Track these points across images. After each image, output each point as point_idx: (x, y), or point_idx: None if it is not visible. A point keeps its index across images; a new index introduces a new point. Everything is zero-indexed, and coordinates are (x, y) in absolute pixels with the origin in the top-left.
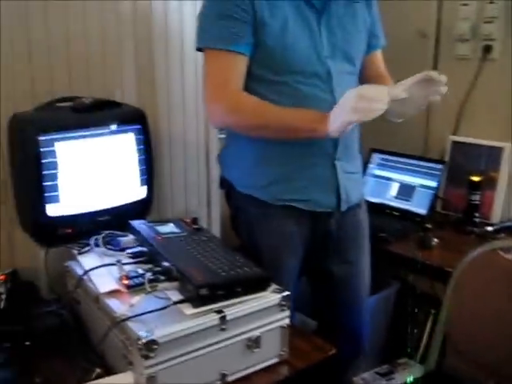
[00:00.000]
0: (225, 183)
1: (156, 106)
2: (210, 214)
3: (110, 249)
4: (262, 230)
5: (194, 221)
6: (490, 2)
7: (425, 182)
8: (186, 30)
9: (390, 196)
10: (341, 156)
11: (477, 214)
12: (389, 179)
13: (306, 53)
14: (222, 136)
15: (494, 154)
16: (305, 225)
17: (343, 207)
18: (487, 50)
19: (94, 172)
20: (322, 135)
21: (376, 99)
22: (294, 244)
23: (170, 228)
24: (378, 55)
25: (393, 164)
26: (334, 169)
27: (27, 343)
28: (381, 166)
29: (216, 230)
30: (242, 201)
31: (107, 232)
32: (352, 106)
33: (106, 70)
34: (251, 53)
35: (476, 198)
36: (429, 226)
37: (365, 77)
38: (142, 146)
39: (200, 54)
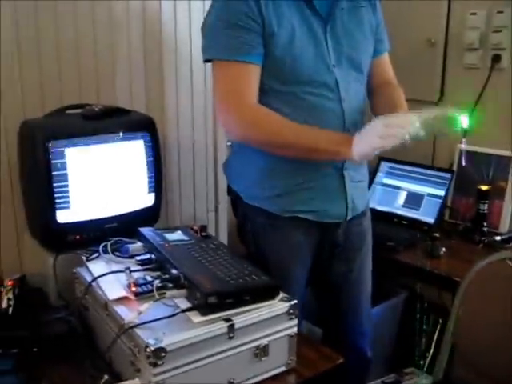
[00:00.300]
0: (231, 193)
1: (165, 113)
2: (218, 221)
3: (118, 256)
4: (269, 240)
5: (202, 228)
6: (499, 12)
7: (433, 191)
8: (194, 37)
9: (398, 205)
10: (349, 165)
11: (485, 224)
12: (397, 188)
13: (313, 62)
14: (230, 144)
15: (503, 163)
16: (313, 235)
17: (349, 216)
18: (496, 59)
19: (103, 179)
20: (345, 158)
21: (401, 126)
22: (302, 254)
23: (178, 235)
24: (385, 59)
25: (401, 173)
26: (342, 178)
27: (35, 349)
28: (389, 174)
29: (224, 237)
30: (248, 211)
31: (116, 239)
32: (378, 133)
33: (115, 78)
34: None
35: (484, 207)
36: (437, 234)
37: (372, 84)
38: (150, 154)
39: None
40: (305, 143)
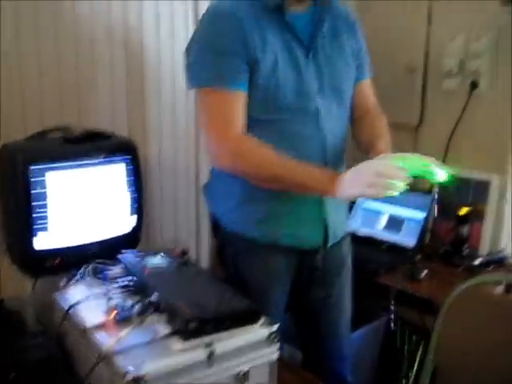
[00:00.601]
0: (211, 216)
1: (147, 135)
2: (200, 243)
3: (98, 279)
4: (249, 264)
5: (184, 252)
6: (477, 39)
7: (414, 215)
8: (177, 58)
9: (378, 228)
10: None
11: (465, 247)
12: (378, 211)
13: (295, 90)
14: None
15: (482, 187)
16: (292, 261)
17: (329, 242)
18: (474, 85)
19: (84, 203)
20: (328, 196)
21: (392, 178)
22: (281, 279)
23: (159, 259)
24: (366, 86)
25: None
26: (321, 205)
27: (13, 375)
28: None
29: (205, 260)
30: (228, 235)
31: (96, 262)
32: (368, 181)
33: (96, 99)
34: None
35: (464, 230)
36: (418, 258)
37: (354, 111)
38: (132, 177)
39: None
40: (292, 179)
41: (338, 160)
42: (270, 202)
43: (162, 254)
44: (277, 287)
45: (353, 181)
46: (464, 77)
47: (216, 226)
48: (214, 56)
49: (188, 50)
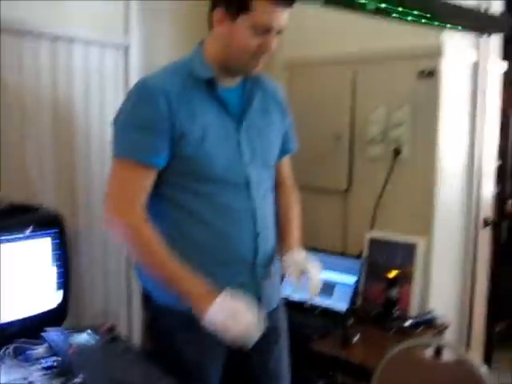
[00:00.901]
0: (142, 289)
1: (76, 206)
2: (131, 314)
3: (20, 361)
4: (182, 338)
5: (111, 328)
6: (398, 109)
7: (345, 279)
8: (106, 131)
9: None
10: (261, 262)
11: (395, 309)
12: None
13: (226, 161)
14: None
15: (409, 250)
16: None
17: (262, 311)
18: (397, 151)
19: (8, 280)
20: (196, 310)
21: (248, 332)
22: (216, 352)
23: (84, 337)
24: (287, 160)
25: None
26: (254, 276)
27: None
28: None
29: (137, 332)
30: (160, 309)
31: (19, 342)
32: (221, 322)
33: (25, 172)
34: (168, 162)
35: (394, 292)
36: (350, 322)
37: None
38: (58, 251)
39: None
40: (168, 275)
41: (268, 229)
42: (204, 275)
43: (89, 331)
44: (212, 361)
45: (221, 311)
46: (387, 144)
47: (147, 299)
48: (135, 130)
49: (114, 121)
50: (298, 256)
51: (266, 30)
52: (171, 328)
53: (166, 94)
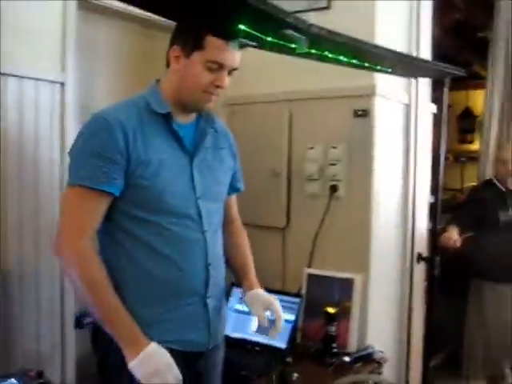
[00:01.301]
0: (91, 325)
1: (7, 240)
2: (65, 354)
3: None
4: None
5: (39, 374)
6: (333, 147)
7: (284, 316)
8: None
9: (250, 331)
10: (212, 294)
11: (334, 345)
12: (249, 314)
13: (179, 194)
14: None
15: (347, 285)
16: (178, 367)
17: (211, 345)
18: (334, 188)
19: None
20: (125, 354)
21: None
22: None
23: None
24: (234, 198)
25: None
26: (205, 307)
27: None
28: (241, 300)
29: (71, 372)
30: (110, 343)
31: None
32: (143, 375)
33: None
34: (122, 192)
35: (332, 328)
36: (289, 359)
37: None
38: None
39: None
40: (106, 311)
41: (218, 261)
42: (153, 305)
43: (14, 378)
44: None
45: (139, 367)
46: (324, 181)
47: (96, 335)
48: (91, 157)
49: (70, 151)
50: (261, 293)
51: (218, 67)
52: (122, 362)
53: (123, 126)
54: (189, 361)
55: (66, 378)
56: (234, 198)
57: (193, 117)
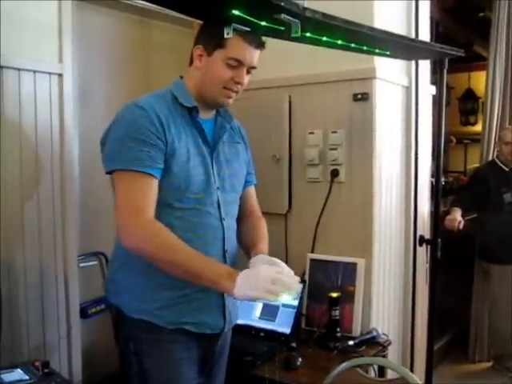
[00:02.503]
0: (113, 310)
1: (10, 233)
2: (71, 344)
3: None
4: (153, 357)
5: (45, 365)
6: (333, 132)
7: (287, 302)
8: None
9: (254, 317)
10: None
11: (338, 329)
12: (252, 299)
13: (203, 182)
14: (84, 264)
15: (350, 269)
16: (194, 349)
17: (226, 328)
18: (334, 173)
19: None
20: (223, 291)
21: (287, 287)
22: (186, 370)
23: (17, 375)
24: (252, 190)
25: None
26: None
27: None
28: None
29: (77, 364)
30: (131, 326)
31: None
32: (266, 288)
33: None
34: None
35: (336, 313)
36: (294, 345)
37: (241, 209)
38: None
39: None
40: (192, 267)
41: (233, 249)
42: (174, 288)
43: (20, 369)
44: (182, 379)
45: (250, 284)
46: (325, 166)
47: (118, 320)
48: (132, 143)
49: (104, 140)
50: (266, 256)
51: (238, 64)
52: (142, 346)
53: (158, 114)
54: (203, 342)
55: (72, 367)
56: (252, 189)
57: (212, 113)
